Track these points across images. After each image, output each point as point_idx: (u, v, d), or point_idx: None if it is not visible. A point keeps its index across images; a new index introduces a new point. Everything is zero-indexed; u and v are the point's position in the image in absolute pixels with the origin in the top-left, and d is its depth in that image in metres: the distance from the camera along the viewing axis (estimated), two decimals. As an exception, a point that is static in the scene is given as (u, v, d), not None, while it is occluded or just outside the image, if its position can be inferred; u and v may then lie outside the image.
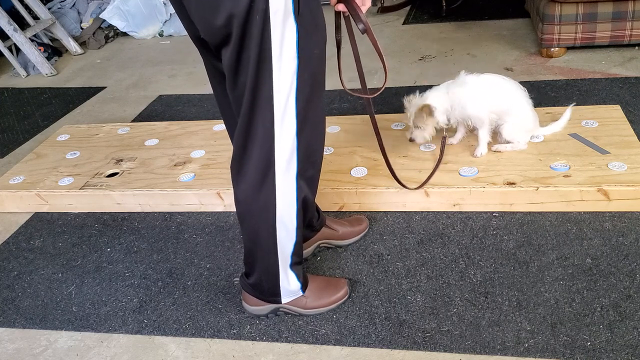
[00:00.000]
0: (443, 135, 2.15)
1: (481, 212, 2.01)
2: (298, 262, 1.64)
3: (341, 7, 1.51)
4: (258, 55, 1.31)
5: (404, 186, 1.98)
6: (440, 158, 2.11)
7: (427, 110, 2.02)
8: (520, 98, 2.11)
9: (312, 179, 1.60)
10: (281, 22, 1.29)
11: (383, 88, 1.62)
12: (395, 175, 1.95)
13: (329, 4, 1.54)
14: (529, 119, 2.13)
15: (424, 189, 2.02)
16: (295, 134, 1.43)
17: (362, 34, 1.50)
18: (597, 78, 2.83)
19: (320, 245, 1.94)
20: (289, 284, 1.65)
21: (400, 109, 2.81)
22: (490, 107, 2.07)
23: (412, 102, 2.08)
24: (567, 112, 2.23)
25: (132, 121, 3.15)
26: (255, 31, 1.28)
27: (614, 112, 2.31)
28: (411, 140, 2.12)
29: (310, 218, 1.80)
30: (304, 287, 1.68)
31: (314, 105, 1.45)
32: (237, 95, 1.41)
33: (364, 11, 1.49)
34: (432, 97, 2.05)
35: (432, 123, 2.06)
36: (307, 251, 1.90)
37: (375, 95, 1.66)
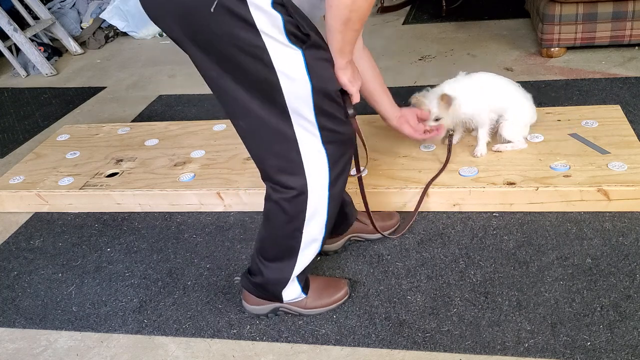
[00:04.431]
0: (449, 134, 2.14)
1: (481, 212, 2.01)
2: (307, 270, 1.65)
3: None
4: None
5: (383, 235, 1.92)
6: (448, 157, 2.11)
7: (447, 99, 1.99)
8: (516, 93, 2.11)
9: (340, 192, 1.60)
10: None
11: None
12: (373, 223, 1.86)
13: None
14: (526, 113, 2.13)
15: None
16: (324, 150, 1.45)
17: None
18: (597, 78, 2.83)
19: (351, 239, 1.94)
20: (293, 286, 1.65)
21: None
22: (489, 106, 2.07)
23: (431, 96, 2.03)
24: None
25: (132, 121, 3.15)
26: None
27: (614, 112, 2.31)
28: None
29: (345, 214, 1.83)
30: (305, 289, 1.68)
31: (337, 121, 1.46)
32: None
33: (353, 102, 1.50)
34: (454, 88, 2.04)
35: (453, 113, 2.03)
36: (338, 244, 1.90)
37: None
